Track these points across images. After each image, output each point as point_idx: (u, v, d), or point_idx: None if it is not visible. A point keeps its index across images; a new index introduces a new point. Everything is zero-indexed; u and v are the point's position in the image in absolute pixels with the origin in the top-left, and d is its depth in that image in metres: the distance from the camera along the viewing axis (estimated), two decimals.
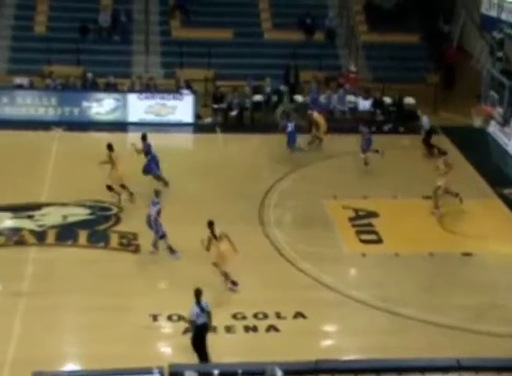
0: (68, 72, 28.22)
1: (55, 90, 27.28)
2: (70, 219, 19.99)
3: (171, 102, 27.02)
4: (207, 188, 21.97)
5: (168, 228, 18.13)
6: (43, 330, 15.49)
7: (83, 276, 17.46)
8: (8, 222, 19.62)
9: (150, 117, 26.85)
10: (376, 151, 23.53)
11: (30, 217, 19.82)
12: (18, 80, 27.52)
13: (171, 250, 18.25)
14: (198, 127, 27.17)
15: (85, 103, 26.90)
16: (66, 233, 19.28)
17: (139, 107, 26.91)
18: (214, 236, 16.90)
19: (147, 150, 21.53)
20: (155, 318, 16.05)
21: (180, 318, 15.89)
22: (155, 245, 18.41)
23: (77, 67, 28.80)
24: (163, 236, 18.24)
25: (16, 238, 18.90)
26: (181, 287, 16.29)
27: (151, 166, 21.46)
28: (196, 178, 22.56)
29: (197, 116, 27.43)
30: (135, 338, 15.35)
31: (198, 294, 14.42)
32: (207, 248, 16.96)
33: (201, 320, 14.40)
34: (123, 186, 20.71)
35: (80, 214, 20.28)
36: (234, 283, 17.03)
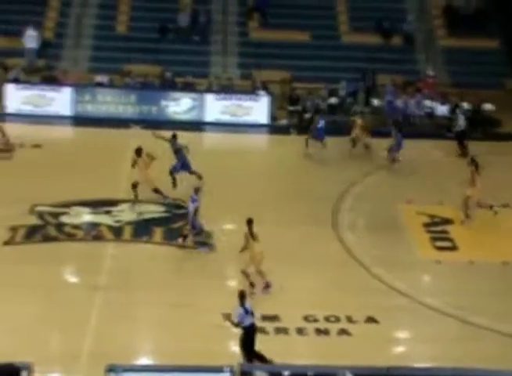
0: (147, 71, 28.78)
1: (135, 88, 27.82)
2: (146, 216, 20.36)
3: (247, 103, 27.27)
4: (281, 189, 22.09)
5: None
6: (118, 324, 15.80)
7: (157, 273, 17.78)
8: (87, 217, 20.10)
9: (226, 118, 27.14)
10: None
11: (107, 213, 20.26)
12: (99, 78, 28.20)
13: (202, 243, 18.51)
14: (273, 128, 27.34)
15: (163, 102, 27.35)
16: (141, 230, 19.65)
17: (216, 107, 27.23)
18: (252, 235, 16.87)
19: (176, 150, 21.32)
20: (227, 317, 16.21)
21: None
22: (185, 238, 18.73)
23: (155, 66, 29.29)
24: (199, 233, 18.42)
25: (94, 233, 19.35)
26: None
27: (176, 166, 21.34)
28: (270, 179, 22.70)
29: (273, 117, 27.60)
30: (207, 336, 15.53)
31: (242, 296, 14.46)
32: (244, 248, 16.93)
33: (248, 321, 14.41)
34: (135, 187, 20.53)
35: (155, 211, 20.64)
36: (268, 285, 16.90)
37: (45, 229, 19.35)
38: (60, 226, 19.53)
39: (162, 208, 20.78)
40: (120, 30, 30.97)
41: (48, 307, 16.34)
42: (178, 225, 19.97)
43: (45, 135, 24.45)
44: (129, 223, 19.93)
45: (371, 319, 16.26)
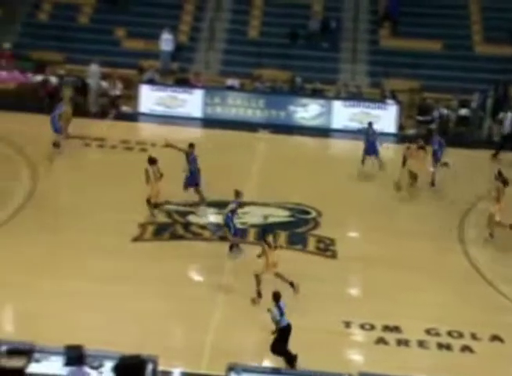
0: (276, 76, 29.06)
1: (264, 93, 28.17)
2: (271, 220, 20.59)
3: (375, 111, 27.14)
4: (408, 198, 21.80)
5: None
6: (239, 324, 16.04)
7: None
8: (213, 217, 20.50)
9: (354, 125, 27.06)
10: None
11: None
12: (229, 81, 28.68)
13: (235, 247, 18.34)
14: (400, 137, 27.08)
15: (291, 107, 27.58)
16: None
17: (344, 114, 27.24)
18: (268, 244, 16.64)
19: (190, 160, 20.46)
20: (347, 325, 16.20)
21: (372, 327, 15.91)
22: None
23: (285, 72, 29.55)
24: (235, 234, 18.41)
25: (219, 233, 19.69)
26: (375, 295, 16.33)
27: (188, 179, 20.57)
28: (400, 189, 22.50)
29: (400, 127, 27.33)
30: (327, 343, 15.56)
31: (276, 297, 14.50)
32: (260, 254, 16.71)
33: (284, 323, 14.41)
34: (149, 202, 20.00)
35: (280, 215, 20.85)
36: (259, 294, 16.66)
37: (173, 228, 19.87)
38: (187, 225, 20.01)
39: (287, 213, 20.96)
40: (252, 35, 31.41)
41: (173, 303, 16.78)
42: (302, 230, 20.12)
43: (176, 135, 25.04)
44: (254, 226, 20.19)
45: (496, 338, 15.87)
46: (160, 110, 27.31)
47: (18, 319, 16.46)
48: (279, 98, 28.11)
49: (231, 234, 18.39)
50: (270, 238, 16.96)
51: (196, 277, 18.40)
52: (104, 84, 27.27)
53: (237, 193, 18.69)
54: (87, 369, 13.59)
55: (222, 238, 19.41)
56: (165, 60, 29.88)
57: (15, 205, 20.33)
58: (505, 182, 19.64)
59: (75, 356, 14.49)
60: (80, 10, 31.57)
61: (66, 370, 14.31)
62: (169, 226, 19.90)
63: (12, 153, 23.12)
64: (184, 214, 20.48)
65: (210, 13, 32.09)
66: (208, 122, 26.89)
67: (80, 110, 26.60)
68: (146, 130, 26.49)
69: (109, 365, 13.43)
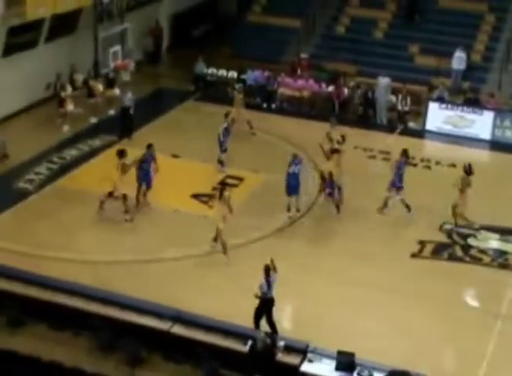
0: None
1: None
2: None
3: None
4: None
5: None
6: None
7: None
8: (495, 243, 19.90)
9: None
10: None
11: None
12: None
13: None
14: None
15: None
16: None
17: None
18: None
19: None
20: None
21: None
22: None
23: None
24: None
25: (500, 260, 19.09)
26: None
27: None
28: None
29: None
30: None
31: (266, 270, 15.40)
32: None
33: (270, 295, 15.41)
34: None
35: None
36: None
37: (452, 249, 19.56)
38: (467, 248, 19.60)
39: None
40: None
41: (446, 324, 16.65)
42: None
43: (461, 155, 24.65)
44: None
45: None
46: (447, 128, 26.96)
47: (296, 318, 17.11)
48: None
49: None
50: None
51: (472, 302, 17.97)
52: (393, 98, 27.45)
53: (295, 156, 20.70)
54: None
55: (503, 266, 18.85)
56: (456, 79, 29.48)
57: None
58: (467, 172, 20.18)
59: (346, 363, 14.88)
60: (376, 25, 32.09)
61: (336, 374, 14.74)
62: (448, 247, 19.62)
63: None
64: (464, 236, 20.08)
65: (507, 34, 31.13)
66: (497, 145, 26.07)
67: (368, 122, 27.07)
68: (431, 148, 26.26)
69: None
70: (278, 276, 15.63)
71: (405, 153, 21.09)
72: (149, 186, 20.80)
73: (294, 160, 20.53)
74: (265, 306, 15.64)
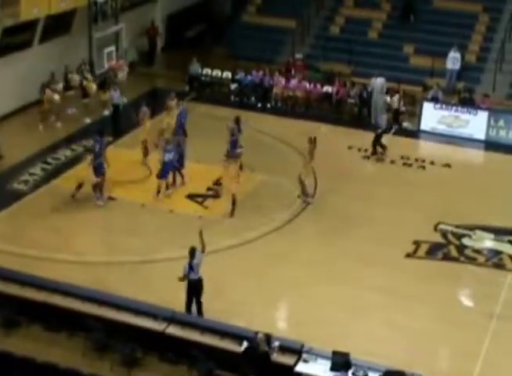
0: None
1: None
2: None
3: None
4: None
5: None
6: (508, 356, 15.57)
7: None
8: (489, 243, 19.91)
9: None
10: None
11: (511, 242, 19.88)
12: None
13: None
14: None
15: None
16: None
17: None
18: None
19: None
20: None
21: None
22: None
23: None
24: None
25: (495, 260, 19.13)
26: None
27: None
28: None
29: None
30: None
31: (191, 253, 15.86)
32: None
33: (192, 276, 15.88)
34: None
35: None
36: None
37: (447, 249, 19.58)
38: (462, 248, 19.62)
39: None
40: None
41: (441, 324, 16.64)
42: None
43: (456, 155, 24.67)
44: None
45: None
46: (441, 128, 26.96)
47: (291, 318, 17.12)
48: None
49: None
50: None
51: (466, 302, 18.01)
52: (388, 99, 27.45)
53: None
54: None
55: (497, 266, 18.89)
56: (451, 79, 29.52)
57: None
58: (310, 142, 21.21)
59: (341, 363, 14.87)
60: (370, 25, 32.11)
61: (331, 374, 14.72)
62: (443, 247, 19.64)
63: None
64: (459, 236, 20.10)
65: (501, 34, 31.17)
66: (491, 145, 26.10)
67: (363, 122, 27.07)
68: (426, 148, 26.28)
69: None
70: (204, 256, 16.11)
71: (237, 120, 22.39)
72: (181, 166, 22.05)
73: None
74: (192, 289, 16.03)
